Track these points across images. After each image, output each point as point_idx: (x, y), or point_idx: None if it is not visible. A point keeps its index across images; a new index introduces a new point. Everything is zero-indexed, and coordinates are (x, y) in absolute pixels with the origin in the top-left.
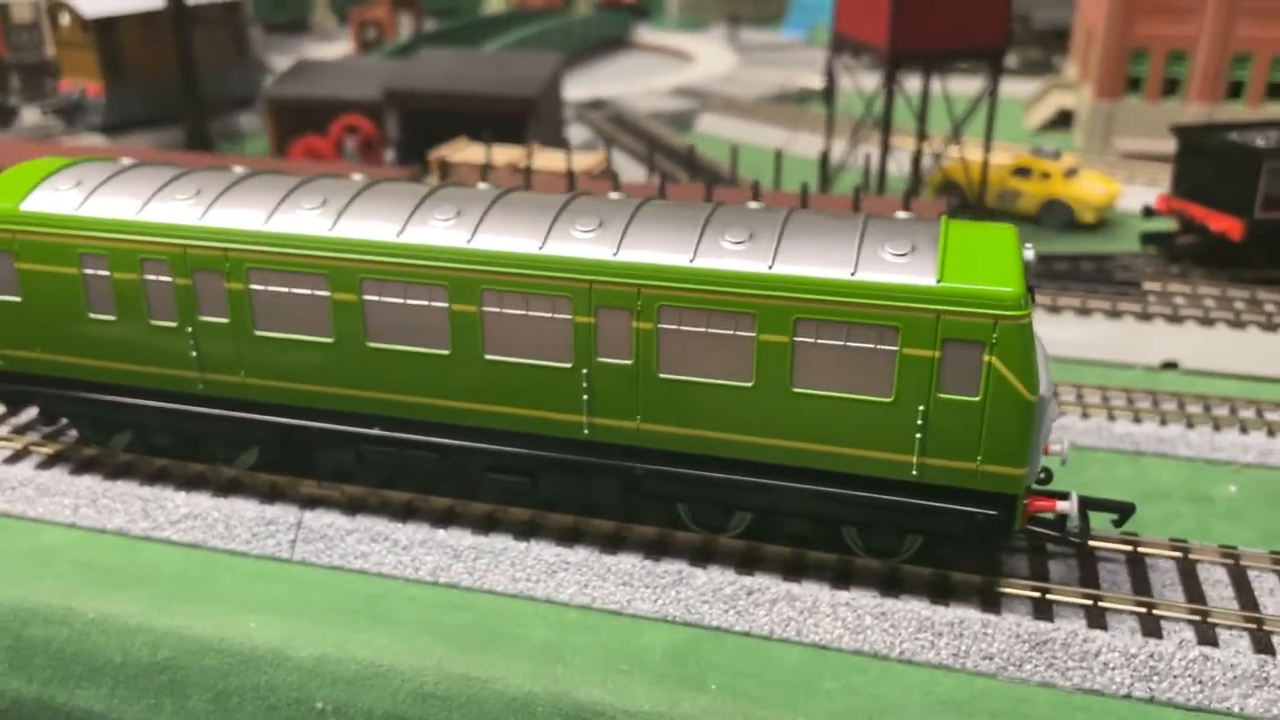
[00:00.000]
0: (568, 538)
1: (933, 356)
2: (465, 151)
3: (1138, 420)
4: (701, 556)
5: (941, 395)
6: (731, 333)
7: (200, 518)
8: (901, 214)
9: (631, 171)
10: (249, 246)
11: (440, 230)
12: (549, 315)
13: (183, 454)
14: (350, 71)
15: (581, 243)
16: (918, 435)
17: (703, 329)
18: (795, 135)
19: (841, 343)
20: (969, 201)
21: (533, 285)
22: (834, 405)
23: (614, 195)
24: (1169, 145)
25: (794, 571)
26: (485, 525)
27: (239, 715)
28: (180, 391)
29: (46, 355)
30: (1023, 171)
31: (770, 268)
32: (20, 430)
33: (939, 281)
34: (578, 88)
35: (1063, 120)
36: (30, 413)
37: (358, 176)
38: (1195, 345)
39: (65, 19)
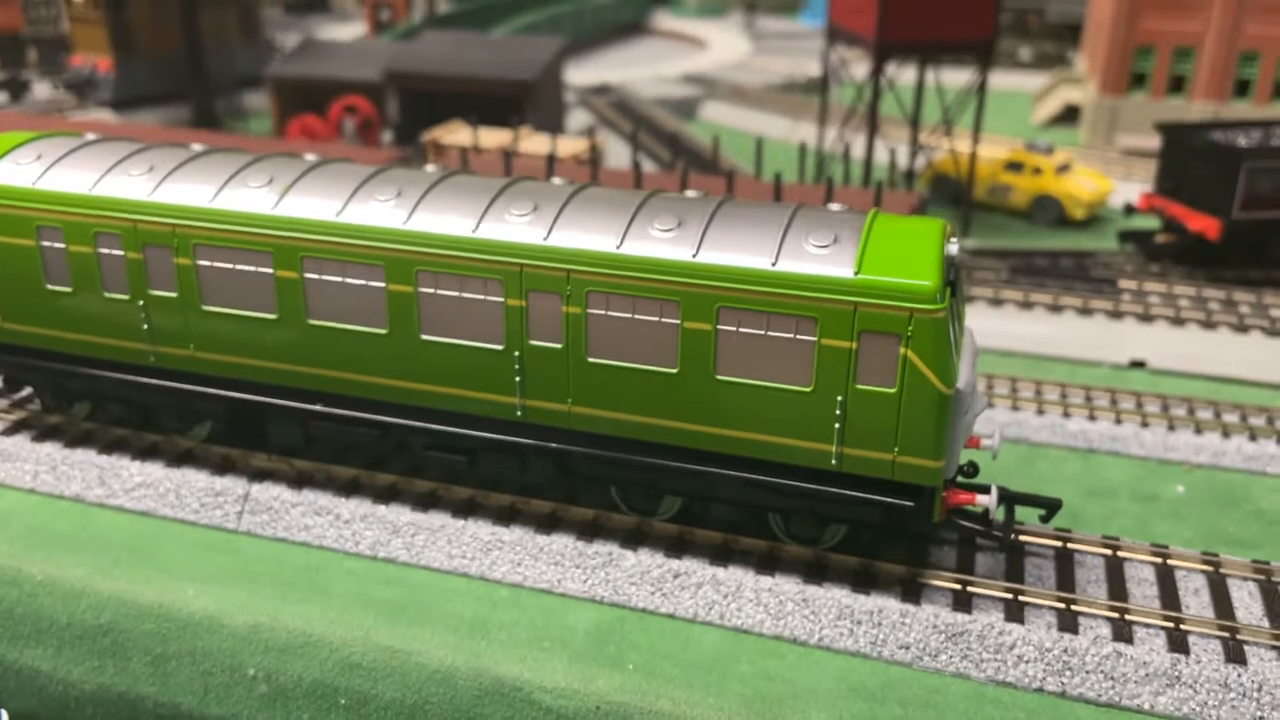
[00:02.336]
0: (504, 517)
1: (850, 348)
2: (458, 134)
3: (1093, 418)
4: (633, 539)
5: (859, 386)
6: (657, 319)
7: (152, 486)
8: (834, 206)
9: (623, 157)
10: (196, 223)
11: (379, 210)
12: (482, 297)
13: (140, 424)
14: (355, 52)
15: (515, 226)
16: (836, 425)
17: (629, 315)
18: (797, 124)
19: (762, 332)
20: (959, 195)
21: (466, 267)
22: (756, 393)
23: (556, 180)
24: None
25: (722, 557)
26: (426, 502)
27: (176, 679)
28: (134, 363)
29: (9, 324)
30: (1015, 166)
31: (694, 255)
32: None
33: (856, 273)
34: (585, 72)
35: (1070, 115)
36: None
37: (310, 156)
38: (1165, 344)
39: None
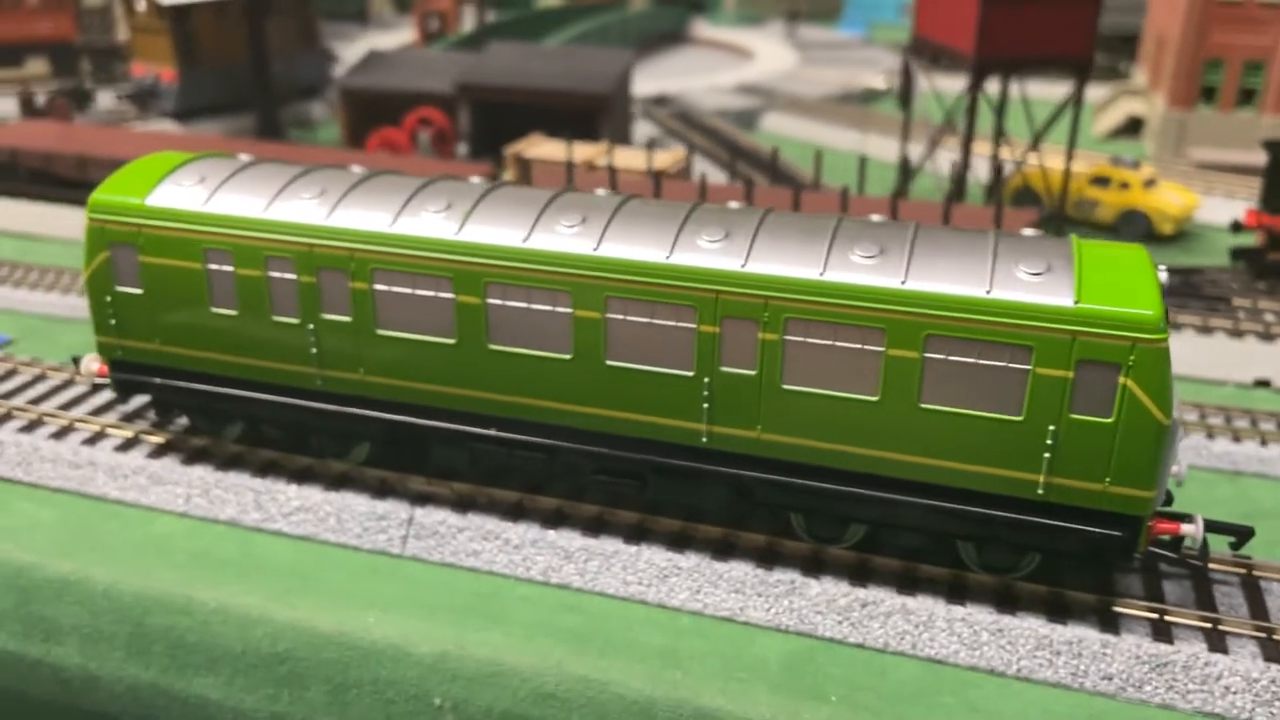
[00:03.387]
0: (678, 543)
1: (1066, 377)
2: (540, 147)
3: (1237, 439)
4: (813, 566)
5: (1073, 416)
6: (859, 346)
7: (312, 511)
8: (1029, 231)
9: (704, 169)
10: (376, 247)
11: (566, 237)
12: (673, 324)
13: (291, 447)
14: (420, 63)
15: (708, 253)
16: (1046, 454)
17: (829, 342)
18: (866, 137)
19: (972, 360)
20: (1046, 209)
21: (658, 294)
22: (961, 422)
23: (734, 204)
24: (1243, 156)
25: (907, 585)
26: (594, 527)
27: (356, 708)
28: (298, 387)
29: (166, 347)
30: (1101, 180)
31: (903, 283)
32: (128, 418)
33: (1077, 302)
34: (640, 82)
35: (1131, 127)
36: (138, 400)
37: (476, 179)
38: None
39: (141, 4)
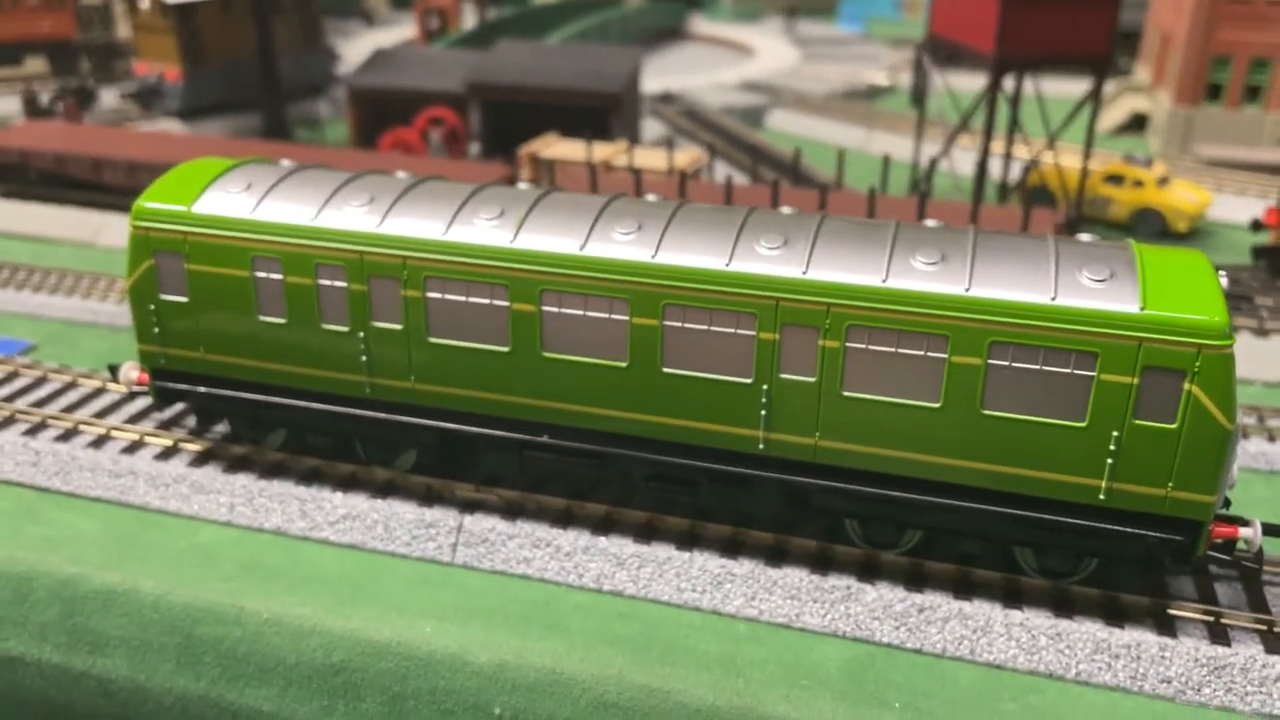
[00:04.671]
0: (730, 549)
1: (1131, 383)
2: (556, 147)
3: (1271, 439)
4: (867, 572)
5: (1137, 422)
6: (922, 353)
7: (359, 519)
8: (1086, 237)
9: (721, 169)
10: (430, 255)
11: (622, 245)
12: (732, 331)
13: (335, 455)
14: (427, 62)
15: (768, 260)
16: (1109, 460)
17: (892, 349)
18: (872, 134)
19: (1036, 367)
20: (1061, 208)
21: (718, 301)
22: (1023, 428)
23: (786, 210)
24: (1250, 153)
25: (964, 590)
26: (645, 533)
27: (413, 718)
28: (347, 395)
29: (211, 355)
30: (1114, 179)
31: (967, 290)
32: (166, 426)
33: (1142, 308)
34: (644, 80)
35: (1134, 124)
36: (175, 408)
37: (523, 185)
38: None
39: (145, 2)
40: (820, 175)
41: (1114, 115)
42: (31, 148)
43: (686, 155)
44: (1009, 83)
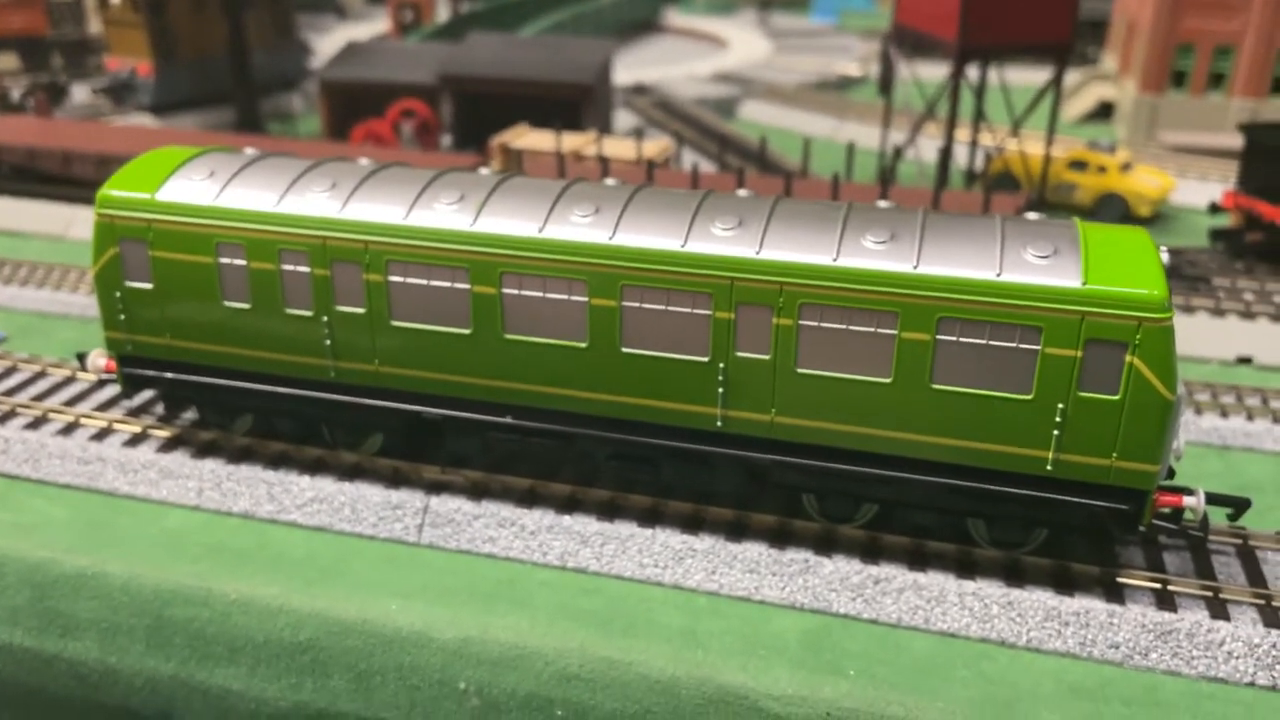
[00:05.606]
0: (691, 525)
1: (1075, 356)
2: (528, 138)
3: (1224, 415)
4: (825, 545)
5: (1081, 394)
6: (873, 330)
7: (326, 501)
8: (1032, 215)
9: (690, 158)
10: (391, 239)
11: (581, 227)
12: (688, 310)
13: (301, 439)
14: (399, 55)
15: (723, 241)
16: (1055, 432)
17: (843, 326)
18: (843, 123)
19: (983, 341)
20: (1027, 193)
21: (674, 282)
22: (972, 401)
23: (742, 193)
24: (1214, 139)
25: (918, 561)
26: (608, 511)
27: (380, 694)
28: (312, 379)
29: (177, 342)
30: (1078, 165)
31: (915, 267)
32: (135, 413)
33: (1084, 283)
34: (618, 72)
35: (1101, 112)
36: (143, 395)
37: (485, 171)
38: (1269, 340)
39: None
40: (787, 163)
41: (1081, 103)
42: (3, 142)
43: (655, 145)
44: (973, 72)
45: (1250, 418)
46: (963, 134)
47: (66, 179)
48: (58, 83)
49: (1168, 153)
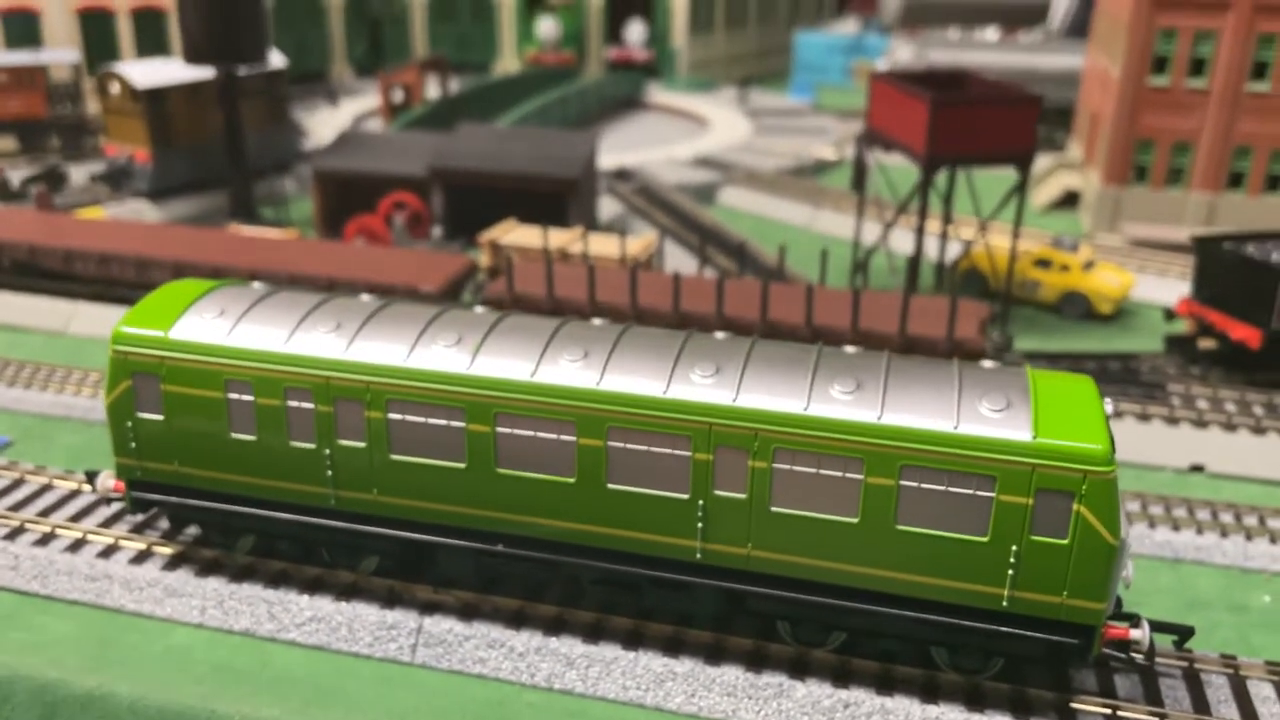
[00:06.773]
0: (671, 647)
1: (1027, 503)
2: (515, 233)
3: (1176, 528)
4: (798, 669)
5: (1033, 537)
6: (840, 474)
7: (324, 620)
8: (987, 363)
9: (672, 252)
10: (391, 380)
11: (570, 371)
12: (670, 451)
13: (301, 558)
14: (391, 145)
15: (702, 387)
16: (1010, 571)
17: (814, 469)
18: (818, 212)
19: (943, 487)
20: (991, 291)
21: (657, 425)
22: (933, 542)
23: (720, 335)
24: (1173, 232)
25: (885, 686)
26: (593, 633)
27: None
28: (312, 505)
29: (184, 468)
30: (1043, 263)
31: (879, 418)
32: (139, 529)
33: (1034, 437)
34: (602, 154)
35: (1069, 199)
36: (148, 513)
37: (480, 310)
38: (1220, 449)
39: (115, 88)
40: (766, 258)
41: (1048, 191)
42: (4, 239)
43: (638, 242)
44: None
45: (1200, 531)
46: (933, 225)
47: (69, 276)
48: (57, 170)
49: (1129, 247)
